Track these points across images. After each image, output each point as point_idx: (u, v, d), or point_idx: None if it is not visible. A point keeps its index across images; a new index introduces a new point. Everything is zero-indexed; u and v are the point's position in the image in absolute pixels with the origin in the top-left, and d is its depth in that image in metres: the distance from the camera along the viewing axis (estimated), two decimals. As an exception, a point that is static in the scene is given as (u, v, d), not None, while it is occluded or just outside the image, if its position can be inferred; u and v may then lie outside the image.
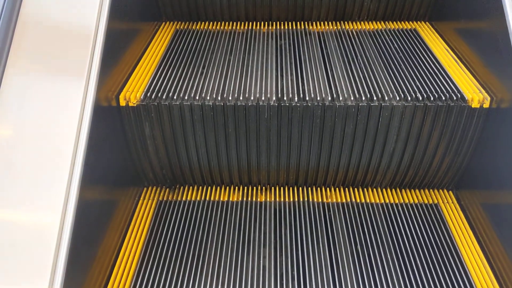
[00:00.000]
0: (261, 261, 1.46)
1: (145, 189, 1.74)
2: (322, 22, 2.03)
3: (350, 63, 1.72)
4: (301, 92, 1.54)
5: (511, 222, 1.39)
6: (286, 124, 1.54)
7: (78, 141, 1.24)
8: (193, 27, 1.98)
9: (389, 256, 1.46)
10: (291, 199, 1.71)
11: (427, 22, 1.99)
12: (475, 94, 1.47)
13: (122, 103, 1.49)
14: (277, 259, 1.47)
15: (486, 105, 1.47)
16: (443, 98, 1.48)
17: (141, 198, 1.70)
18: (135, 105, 1.49)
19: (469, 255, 1.47)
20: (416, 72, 1.62)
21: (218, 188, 1.76)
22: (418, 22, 2.00)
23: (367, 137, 1.56)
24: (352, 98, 1.50)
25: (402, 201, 1.69)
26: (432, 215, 1.62)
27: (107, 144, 1.46)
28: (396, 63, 1.68)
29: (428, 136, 1.55)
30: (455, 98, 1.48)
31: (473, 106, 1.47)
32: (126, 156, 1.62)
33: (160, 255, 1.47)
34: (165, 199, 1.70)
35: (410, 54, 1.74)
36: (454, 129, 1.52)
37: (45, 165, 1.20)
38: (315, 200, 1.71)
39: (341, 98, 1.50)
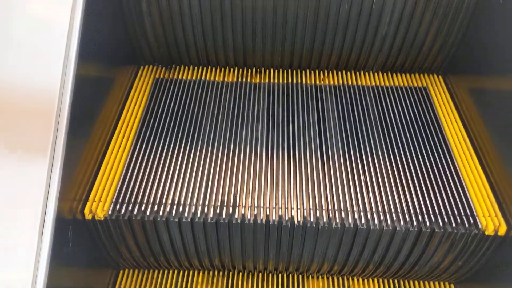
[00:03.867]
0: (254, 134, 1.53)
1: (142, 67, 1.78)
2: None
3: None
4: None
5: (493, 104, 1.46)
6: (282, 1, 1.54)
7: (73, 15, 1.24)
8: None
9: (375, 132, 1.53)
10: (285, 81, 1.76)
11: None
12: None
13: (119, -27, 1.48)
14: (269, 133, 1.54)
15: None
16: (440, -24, 1.48)
17: (138, 76, 1.74)
18: (131, -24, 1.48)
19: (452, 133, 1.54)
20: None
21: (214, 69, 1.80)
22: None
23: (361, 18, 1.57)
24: (349, -25, 1.50)
25: (392, 84, 1.74)
26: (420, 97, 1.67)
27: (103, 19, 1.46)
28: None
29: (420, 18, 1.56)
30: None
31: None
32: (123, 32, 1.64)
33: (158, 126, 1.53)
34: (161, 77, 1.74)
35: None
36: (446, 10, 1.53)
37: (42, 41, 1.21)
38: (308, 82, 1.75)
39: (338, -25, 1.49)
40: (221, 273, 1.58)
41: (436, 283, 1.58)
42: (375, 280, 1.57)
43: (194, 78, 1.74)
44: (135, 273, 1.59)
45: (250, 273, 1.58)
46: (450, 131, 1.55)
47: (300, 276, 1.57)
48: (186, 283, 1.56)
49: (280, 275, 1.58)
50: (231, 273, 1.58)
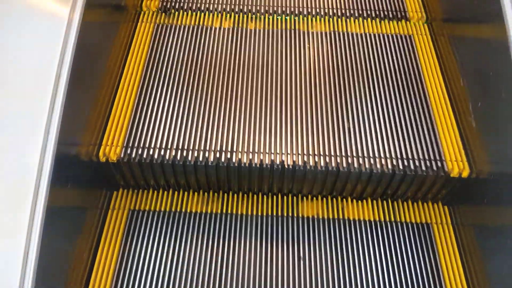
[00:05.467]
0: (249, 82, 1.66)
1: (142, 12, 1.86)
2: None
3: None
4: None
5: (470, 52, 1.57)
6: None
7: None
8: None
9: (360, 79, 1.67)
10: (279, 28, 1.86)
11: None
12: None
13: None
14: (263, 80, 1.66)
15: None
16: None
17: (140, 21, 1.83)
18: None
19: (431, 81, 1.67)
20: None
21: (211, 15, 1.89)
22: None
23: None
24: None
25: (380, 31, 1.84)
26: (405, 46, 1.78)
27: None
28: None
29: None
30: None
31: None
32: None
33: (160, 74, 1.66)
34: (161, 22, 1.83)
35: None
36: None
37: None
38: (301, 29, 1.85)
39: None
40: (216, 194, 1.67)
41: (430, 203, 1.65)
42: (369, 200, 1.65)
43: (192, 23, 1.84)
44: (129, 192, 1.64)
45: (245, 195, 1.67)
46: (429, 80, 1.68)
47: (295, 197, 1.66)
48: (181, 203, 1.63)
49: (274, 196, 1.66)
50: (226, 195, 1.67)
